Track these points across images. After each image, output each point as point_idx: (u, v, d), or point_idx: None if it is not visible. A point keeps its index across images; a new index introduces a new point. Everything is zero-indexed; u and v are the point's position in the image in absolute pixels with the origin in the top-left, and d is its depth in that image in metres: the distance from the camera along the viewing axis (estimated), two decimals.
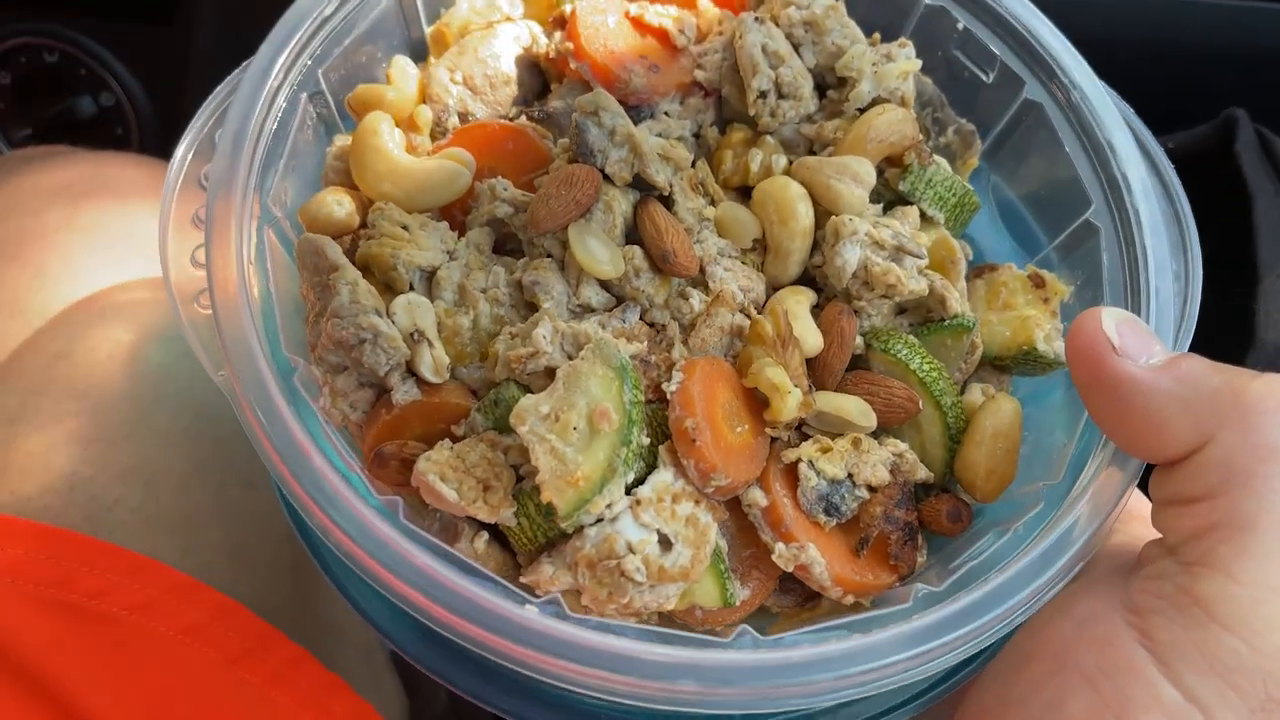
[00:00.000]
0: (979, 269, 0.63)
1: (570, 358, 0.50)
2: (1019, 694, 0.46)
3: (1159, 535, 0.48)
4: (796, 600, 0.54)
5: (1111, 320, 0.48)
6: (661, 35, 0.63)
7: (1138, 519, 0.55)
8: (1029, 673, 0.47)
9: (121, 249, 0.80)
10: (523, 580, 0.49)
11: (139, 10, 1.20)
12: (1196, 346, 0.59)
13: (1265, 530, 0.43)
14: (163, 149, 1.21)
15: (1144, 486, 0.52)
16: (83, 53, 1.20)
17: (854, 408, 0.53)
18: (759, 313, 0.55)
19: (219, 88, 0.58)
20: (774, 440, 0.53)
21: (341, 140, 0.60)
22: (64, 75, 1.23)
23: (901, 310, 0.59)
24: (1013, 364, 0.59)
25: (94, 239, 0.79)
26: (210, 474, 0.72)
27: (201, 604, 0.65)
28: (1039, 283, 0.60)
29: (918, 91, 0.65)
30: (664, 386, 0.50)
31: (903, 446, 0.54)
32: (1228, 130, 0.91)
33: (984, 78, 0.65)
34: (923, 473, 0.55)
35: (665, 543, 0.48)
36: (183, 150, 0.57)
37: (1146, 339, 0.48)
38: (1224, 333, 0.81)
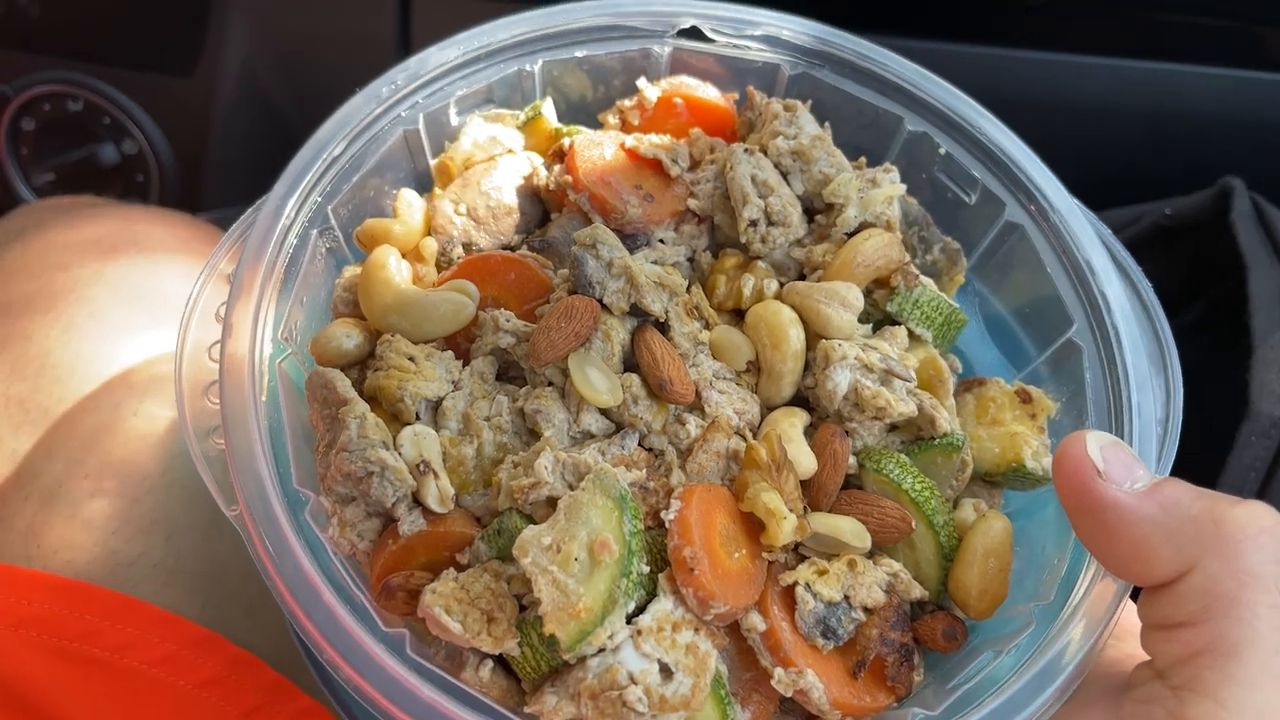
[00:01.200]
0: (968, 382, 0.65)
1: (571, 487, 0.52)
2: None
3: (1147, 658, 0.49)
4: None
5: (1096, 444, 0.49)
6: (656, 166, 0.66)
7: (1131, 635, 0.56)
8: None
9: (148, 305, 0.82)
10: (527, 710, 0.50)
11: (162, 62, 1.24)
12: (1191, 416, 0.61)
13: (1250, 657, 0.44)
14: (183, 196, 1.28)
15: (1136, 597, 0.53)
16: (106, 101, 1.24)
17: (848, 529, 0.55)
18: (754, 434, 0.57)
19: (234, 226, 0.60)
20: (771, 563, 0.54)
21: (350, 271, 0.62)
22: (87, 123, 1.26)
23: (893, 428, 0.61)
24: (1002, 480, 0.61)
25: (121, 294, 0.82)
26: (229, 528, 0.73)
27: (219, 657, 0.67)
28: (1026, 399, 0.62)
29: (904, 211, 0.68)
30: (662, 514, 0.52)
31: (897, 566, 0.56)
32: (1223, 199, 0.93)
33: (966, 199, 0.67)
34: (917, 591, 0.56)
35: (666, 672, 0.49)
36: (198, 286, 0.59)
37: (1130, 463, 0.49)
38: (1218, 402, 0.81)
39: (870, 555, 0.56)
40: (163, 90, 1.25)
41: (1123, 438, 0.57)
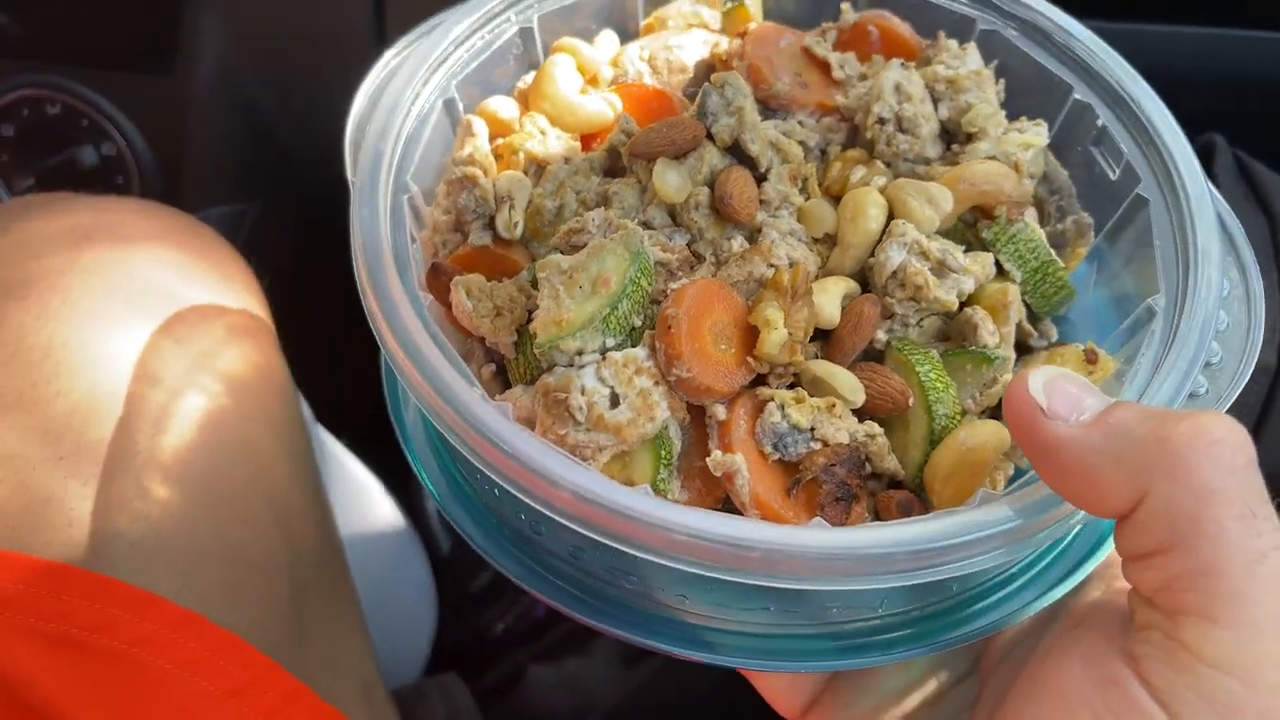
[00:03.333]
0: (1051, 346, 0.64)
1: None
2: None
3: None
4: None
5: (1039, 380, 0.48)
6: (824, 65, 0.71)
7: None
8: (1040, 707, 0.48)
9: (123, 291, 0.81)
10: (498, 398, 0.57)
11: (139, 62, 1.23)
12: None
13: (1229, 571, 0.42)
14: (163, 195, 1.25)
15: None
16: (84, 104, 1.23)
17: (845, 380, 0.57)
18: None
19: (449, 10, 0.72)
20: (761, 382, 0.58)
21: (532, 74, 0.73)
22: (66, 126, 1.25)
23: (945, 338, 0.62)
24: None
25: (95, 281, 0.80)
26: (210, 508, 0.74)
27: (201, 638, 0.66)
28: (1093, 358, 0.61)
29: (1050, 177, 0.69)
30: (669, 286, 0.57)
31: (878, 430, 0.57)
32: (1207, 155, 0.94)
33: (1111, 174, 0.67)
34: (892, 464, 0.57)
35: (615, 400, 0.54)
36: (391, 53, 0.71)
37: (1076, 394, 0.48)
38: None
39: (860, 420, 0.58)
40: (139, 91, 1.23)
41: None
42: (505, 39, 0.71)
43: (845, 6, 0.76)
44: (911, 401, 0.57)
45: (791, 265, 0.60)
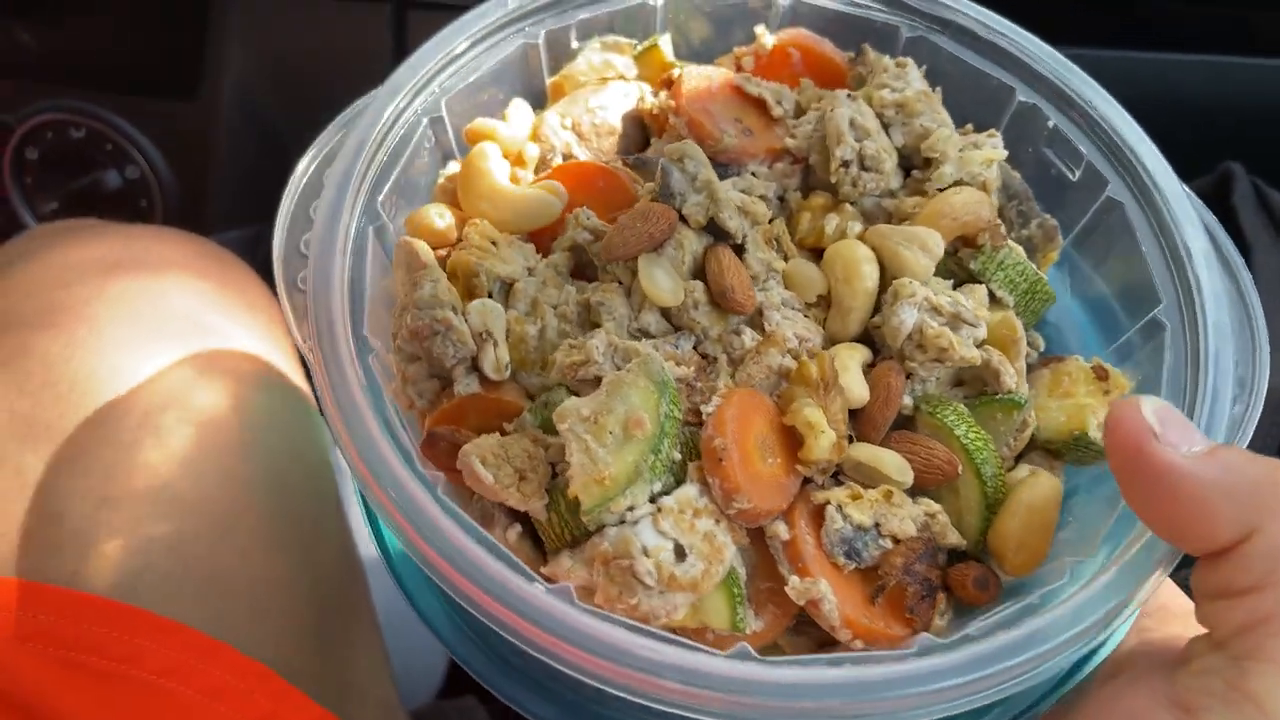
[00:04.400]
0: (1047, 359, 0.64)
1: (619, 370, 0.53)
2: None
3: (1201, 632, 0.47)
4: (810, 645, 0.55)
5: (1150, 408, 0.47)
6: (760, 104, 0.67)
7: (1178, 618, 0.53)
8: None
9: (150, 320, 0.81)
10: (543, 571, 0.51)
11: (163, 87, 1.24)
12: None
13: None
14: (186, 219, 1.27)
15: (1182, 584, 0.51)
16: (108, 128, 1.24)
17: (891, 461, 0.55)
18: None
19: (347, 110, 0.65)
20: (807, 482, 0.55)
21: (454, 167, 0.66)
22: (90, 150, 1.27)
23: (959, 383, 0.61)
24: (1064, 449, 0.59)
25: (122, 311, 0.81)
26: (234, 537, 0.74)
27: (226, 666, 0.66)
28: (1103, 375, 0.60)
29: (1005, 184, 0.67)
30: (702, 408, 0.53)
31: (936, 508, 0.55)
32: (1224, 184, 0.94)
33: (1070, 175, 0.66)
34: (954, 537, 0.55)
35: (680, 553, 0.50)
36: (307, 160, 0.63)
37: (1187, 428, 0.47)
38: None
39: (912, 497, 0.56)
40: (163, 115, 1.25)
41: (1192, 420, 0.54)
42: (419, 134, 0.63)
43: (760, 30, 0.71)
44: (960, 468, 0.56)
45: (812, 354, 0.56)
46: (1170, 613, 0.52)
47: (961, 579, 0.54)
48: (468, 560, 0.46)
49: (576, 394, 0.54)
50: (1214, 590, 0.46)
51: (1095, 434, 0.57)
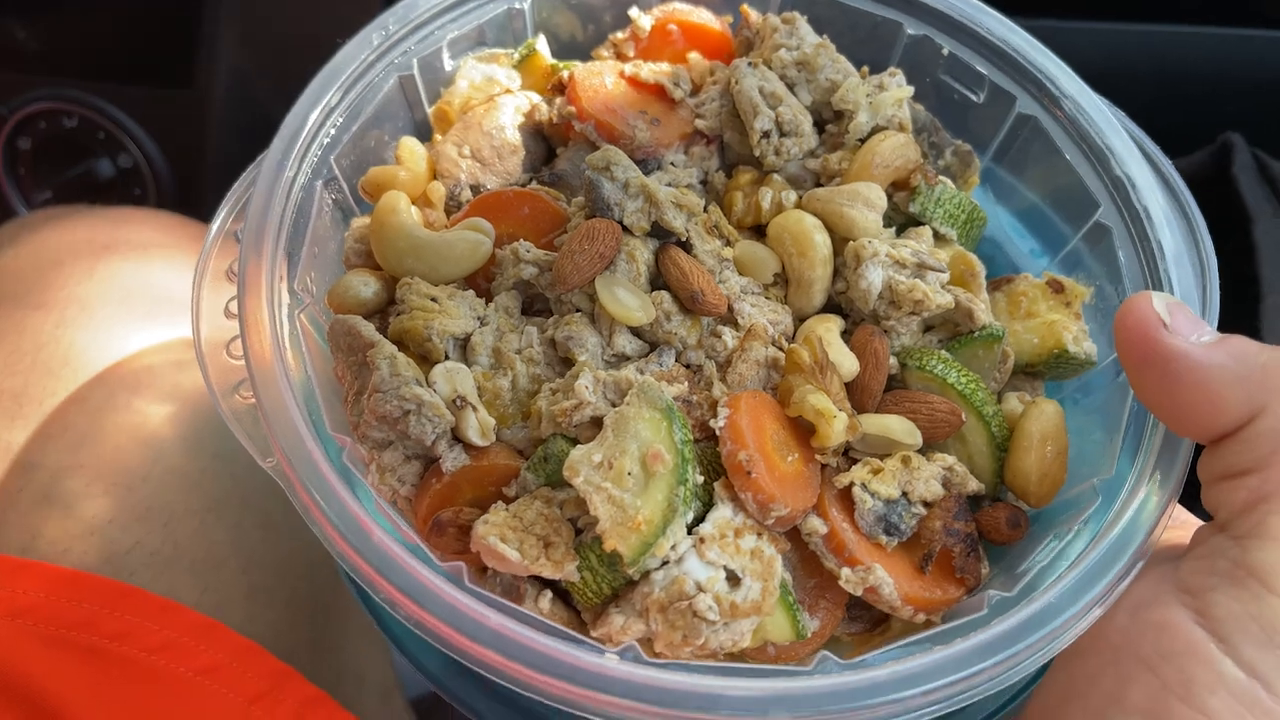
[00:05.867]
0: (995, 281, 0.64)
1: (614, 405, 0.50)
2: (1079, 688, 0.46)
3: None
4: (866, 626, 0.54)
5: (1161, 301, 0.49)
6: (658, 91, 0.64)
7: (1182, 527, 0.55)
8: (1086, 666, 0.47)
9: (139, 300, 0.83)
10: (594, 635, 0.48)
11: (156, 75, 1.23)
12: None
13: None
14: (179, 207, 1.25)
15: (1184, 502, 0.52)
16: (101, 117, 1.23)
17: (899, 426, 0.54)
18: (790, 344, 0.56)
19: (236, 184, 0.59)
20: (824, 467, 0.53)
21: (359, 222, 0.61)
22: (83, 139, 1.26)
23: (929, 328, 0.60)
24: (1045, 369, 0.60)
25: (112, 290, 0.82)
26: (227, 514, 0.74)
27: (220, 645, 0.66)
28: (1058, 288, 0.61)
29: (912, 118, 0.67)
30: (710, 424, 0.50)
31: (951, 460, 0.54)
32: (1225, 154, 0.94)
33: (975, 98, 0.66)
34: (974, 484, 0.55)
35: (733, 578, 0.47)
36: (208, 243, 0.57)
37: (1195, 319, 0.49)
38: None
39: (922, 453, 0.55)
40: (156, 103, 1.25)
41: None
42: (316, 200, 0.58)
43: (634, 13, 0.68)
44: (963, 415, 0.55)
45: (789, 338, 0.54)
46: (1175, 522, 0.53)
47: (994, 523, 0.54)
48: (533, 652, 0.43)
49: (575, 440, 0.51)
50: (1219, 472, 0.47)
51: (1074, 348, 0.58)
